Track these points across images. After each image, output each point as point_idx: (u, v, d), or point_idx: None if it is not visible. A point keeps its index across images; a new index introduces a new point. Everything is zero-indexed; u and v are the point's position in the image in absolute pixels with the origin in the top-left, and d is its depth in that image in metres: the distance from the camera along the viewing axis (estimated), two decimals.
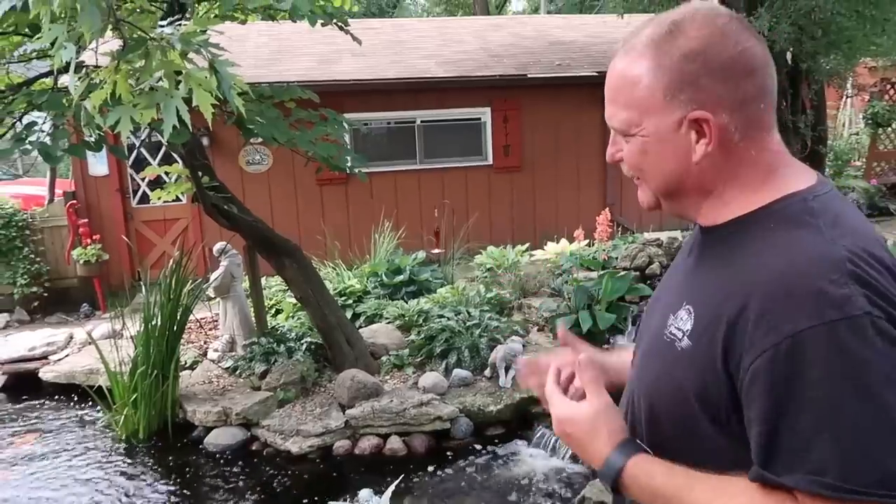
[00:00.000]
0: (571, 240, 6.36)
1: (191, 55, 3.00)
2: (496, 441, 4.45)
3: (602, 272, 5.69)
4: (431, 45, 9.47)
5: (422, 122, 8.33)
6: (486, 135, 8.53)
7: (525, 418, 4.60)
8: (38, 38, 3.36)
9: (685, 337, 0.89)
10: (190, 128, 3.01)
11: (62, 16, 3.00)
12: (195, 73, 2.95)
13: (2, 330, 6.83)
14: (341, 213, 8.20)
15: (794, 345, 0.77)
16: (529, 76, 8.29)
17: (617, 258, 6.10)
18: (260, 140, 5.65)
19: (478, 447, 4.40)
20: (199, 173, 4.77)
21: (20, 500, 4.03)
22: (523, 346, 4.93)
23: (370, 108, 8.06)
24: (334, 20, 4.61)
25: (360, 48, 5.43)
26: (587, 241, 6.33)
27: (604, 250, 6.10)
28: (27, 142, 4.60)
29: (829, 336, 0.75)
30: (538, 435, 4.36)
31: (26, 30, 4.41)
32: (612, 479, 0.92)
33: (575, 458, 4.08)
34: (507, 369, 4.74)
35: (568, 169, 8.69)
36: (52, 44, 3.19)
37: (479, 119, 8.52)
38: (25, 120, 4.54)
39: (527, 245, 6.85)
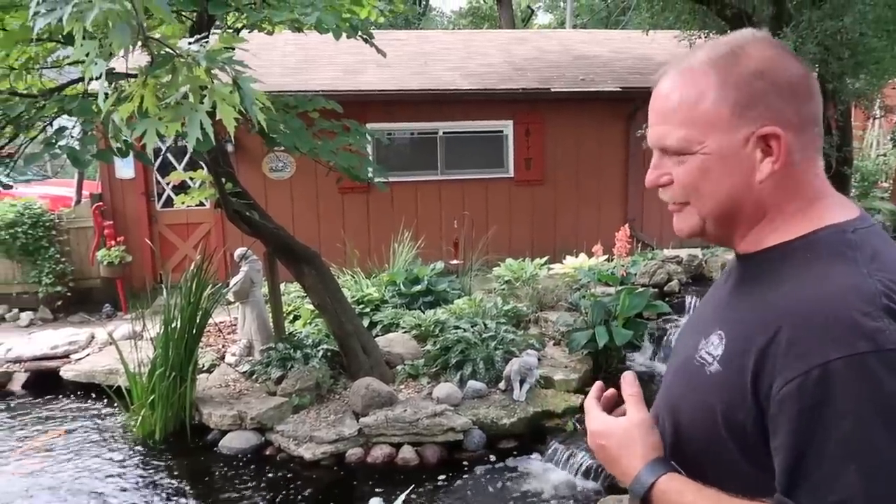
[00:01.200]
0: (590, 254, 6.34)
1: (215, 71, 3.09)
2: (509, 454, 4.43)
3: (620, 288, 5.66)
4: (456, 58, 9.54)
5: (444, 133, 8.38)
6: (508, 147, 8.55)
7: (539, 432, 4.58)
8: (70, 48, 3.46)
9: (715, 362, 0.89)
10: (213, 138, 3.08)
11: (95, 29, 3.09)
12: (220, 88, 3.05)
13: (26, 328, 6.97)
14: (362, 222, 8.26)
15: (823, 374, 0.77)
16: (553, 90, 8.31)
17: (635, 274, 6.07)
18: (283, 147, 5.73)
19: (490, 460, 4.38)
20: (223, 179, 4.85)
21: (38, 497, 4.10)
22: (539, 359, 4.91)
23: (393, 118, 8.13)
24: (359, 33, 4.67)
25: (385, 59, 5.49)
26: (606, 256, 6.31)
27: (622, 266, 6.08)
28: (57, 146, 4.73)
29: (860, 368, 0.76)
30: (551, 449, 4.33)
31: (60, 36, 4.52)
32: (642, 495, 0.92)
33: (587, 474, 4.05)
34: (521, 382, 4.72)
35: (589, 183, 8.67)
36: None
37: (502, 132, 8.54)
38: (55, 124, 4.66)
39: (546, 258, 6.84)
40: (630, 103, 8.30)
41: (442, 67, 9.01)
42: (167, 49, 3.21)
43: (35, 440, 4.87)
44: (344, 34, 4.55)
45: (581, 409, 4.67)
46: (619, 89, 8.35)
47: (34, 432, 5.00)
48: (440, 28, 23.57)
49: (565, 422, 4.59)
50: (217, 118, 2.86)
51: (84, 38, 2.97)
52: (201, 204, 7.09)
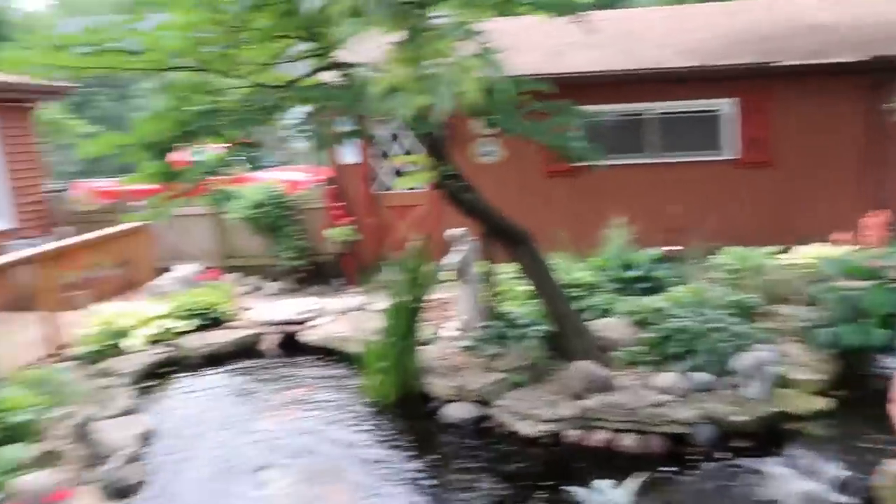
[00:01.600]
0: (833, 243, 5.68)
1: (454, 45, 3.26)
2: (742, 454, 4.11)
3: (872, 282, 4.99)
4: (664, 34, 9.03)
5: (660, 112, 8.02)
6: (728, 127, 7.95)
7: (775, 434, 4.20)
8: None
9: None
10: (448, 113, 3.21)
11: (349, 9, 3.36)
12: (466, 61, 3.18)
13: (274, 296, 7.90)
14: (569, 205, 8.17)
15: None
16: (779, 64, 7.54)
17: (891, 267, 5.31)
18: (497, 130, 5.82)
19: (720, 457, 4.11)
20: (441, 162, 5.04)
21: (285, 442, 4.63)
22: (776, 356, 4.50)
23: (600, 100, 7.91)
24: (571, 12, 4.63)
25: (589, 40, 5.36)
26: (851, 245, 5.60)
27: (875, 257, 5.35)
28: (302, 130, 5.24)
29: None
30: (793, 454, 3.95)
31: (302, 32, 4.91)
32: None
33: (842, 487, 3.62)
34: (756, 379, 4.36)
35: (824, 165, 7.77)
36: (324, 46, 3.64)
37: (718, 111, 7.96)
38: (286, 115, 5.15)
39: (778, 248, 6.22)
40: (872, 74, 7.29)
41: (648, 45, 8.58)
42: (419, 23, 3.42)
43: (288, 393, 5.51)
44: (552, 14, 4.57)
45: (830, 414, 4.22)
46: (860, 59, 7.35)
47: (287, 387, 5.67)
48: (643, 7, 22.47)
49: (809, 426, 4.16)
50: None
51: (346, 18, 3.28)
52: (418, 187, 7.50)
